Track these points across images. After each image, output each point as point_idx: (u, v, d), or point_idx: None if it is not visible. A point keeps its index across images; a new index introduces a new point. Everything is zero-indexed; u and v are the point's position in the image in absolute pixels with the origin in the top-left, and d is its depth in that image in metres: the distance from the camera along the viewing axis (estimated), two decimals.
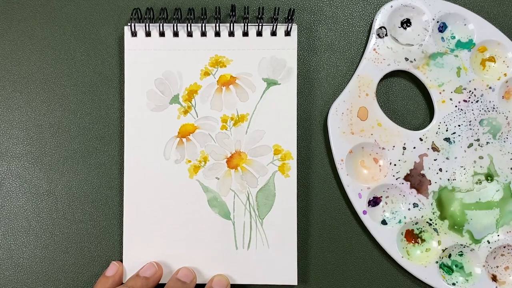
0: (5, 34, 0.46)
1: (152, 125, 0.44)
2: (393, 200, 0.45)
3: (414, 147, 0.44)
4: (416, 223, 0.44)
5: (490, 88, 0.45)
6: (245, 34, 0.44)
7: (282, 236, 0.44)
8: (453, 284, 0.44)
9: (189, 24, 0.44)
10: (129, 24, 0.44)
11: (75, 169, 0.46)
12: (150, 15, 0.45)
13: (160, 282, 0.43)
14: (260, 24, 0.44)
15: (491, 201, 0.44)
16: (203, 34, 0.44)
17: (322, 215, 0.45)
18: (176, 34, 0.44)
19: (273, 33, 0.44)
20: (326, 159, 0.46)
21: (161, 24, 0.44)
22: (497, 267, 0.44)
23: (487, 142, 0.45)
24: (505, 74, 0.45)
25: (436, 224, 0.44)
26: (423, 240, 0.44)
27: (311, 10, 0.46)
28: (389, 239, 0.44)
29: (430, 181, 0.44)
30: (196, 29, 0.44)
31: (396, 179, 0.44)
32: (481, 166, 0.44)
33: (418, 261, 0.44)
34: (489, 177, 0.44)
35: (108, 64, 0.46)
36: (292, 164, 0.44)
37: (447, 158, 0.44)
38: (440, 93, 0.45)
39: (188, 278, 0.42)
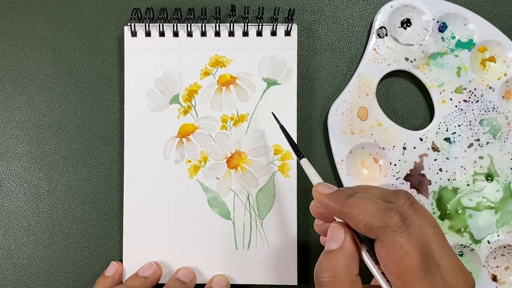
0: (5, 34, 0.46)
1: (152, 125, 0.44)
2: None
3: (414, 147, 0.44)
4: None
5: (490, 88, 0.45)
6: (245, 34, 0.44)
7: (282, 236, 0.44)
8: None
9: (189, 24, 0.44)
10: (129, 24, 0.44)
11: (75, 169, 0.46)
12: (150, 15, 0.45)
13: (160, 282, 0.43)
14: (260, 24, 0.44)
15: (491, 201, 0.44)
16: (203, 34, 0.44)
17: None
18: (176, 34, 0.44)
19: (273, 33, 0.44)
20: (326, 159, 0.46)
21: (161, 24, 0.44)
22: (497, 267, 0.44)
23: (487, 142, 0.45)
24: (505, 74, 0.45)
25: None
26: None
27: (311, 10, 0.46)
28: None
29: (430, 181, 0.44)
30: (196, 29, 0.44)
31: (396, 179, 0.44)
32: (481, 166, 0.44)
33: None
34: (489, 177, 0.44)
35: (108, 64, 0.46)
36: (292, 164, 0.44)
37: (447, 158, 0.44)
38: (440, 93, 0.45)
39: (188, 278, 0.42)
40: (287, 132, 0.40)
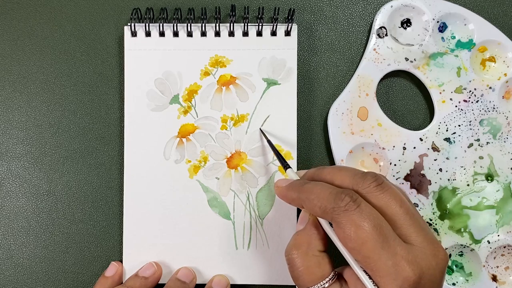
0: (5, 34, 0.46)
1: (152, 125, 0.44)
2: None
3: (414, 147, 0.44)
4: None
5: (490, 88, 0.45)
6: (245, 34, 0.44)
7: (282, 236, 0.44)
8: (453, 284, 0.44)
9: (189, 24, 0.44)
10: (129, 24, 0.44)
11: (75, 169, 0.46)
12: (150, 15, 0.45)
13: (160, 282, 0.43)
14: (260, 24, 0.44)
15: (491, 201, 0.44)
16: (203, 34, 0.44)
17: None
18: (176, 34, 0.44)
19: (273, 33, 0.44)
20: (326, 159, 0.46)
21: (161, 24, 0.44)
22: (497, 267, 0.44)
23: (487, 142, 0.45)
24: (505, 74, 0.45)
25: (436, 224, 0.44)
26: None
27: (311, 10, 0.46)
28: None
29: (430, 181, 0.44)
30: (196, 29, 0.44)
31: (396, 179, 0.44)
32: (481, 166, 0.44)
33: None
34: (489, 177, 0.44)
35: (108, 64, 0.46)
36: (292, 164, 0.44)
37: (447, 158, 0.44)
38: (440, 93, 0.45)
39: (188, 278, 0.42)
40: (274, 146, 0.42)
